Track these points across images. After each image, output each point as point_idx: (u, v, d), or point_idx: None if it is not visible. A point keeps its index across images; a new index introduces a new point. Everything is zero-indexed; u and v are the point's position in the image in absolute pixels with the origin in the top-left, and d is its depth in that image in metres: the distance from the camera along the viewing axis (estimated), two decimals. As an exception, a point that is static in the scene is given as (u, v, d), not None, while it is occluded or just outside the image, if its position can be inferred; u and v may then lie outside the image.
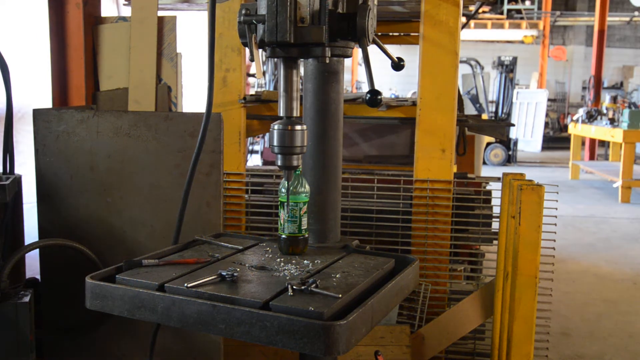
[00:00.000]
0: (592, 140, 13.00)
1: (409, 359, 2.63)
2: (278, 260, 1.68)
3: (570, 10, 21.13)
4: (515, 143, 13.74)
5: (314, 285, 1.41)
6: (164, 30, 3.04)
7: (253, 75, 8.27)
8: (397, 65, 1.76)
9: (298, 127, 1.55)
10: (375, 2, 1.72)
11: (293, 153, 1.56)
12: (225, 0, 2.81)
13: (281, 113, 1.56)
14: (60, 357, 2.61)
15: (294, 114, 1.56)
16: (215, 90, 2.88)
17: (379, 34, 3.62)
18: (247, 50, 2.13)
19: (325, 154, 1.86)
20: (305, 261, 1.66)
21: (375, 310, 1.39)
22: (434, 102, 2.80)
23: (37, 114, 2.51)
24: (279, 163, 1.58)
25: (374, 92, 1.52)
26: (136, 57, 3.01)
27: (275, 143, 1.56)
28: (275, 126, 1.56)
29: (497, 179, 2.86)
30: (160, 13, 3.07)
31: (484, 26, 17.19)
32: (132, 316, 1.42)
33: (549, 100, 16.45)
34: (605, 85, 17.40)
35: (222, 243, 1.83)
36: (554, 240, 2.60)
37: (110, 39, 3.08)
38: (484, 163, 12.06)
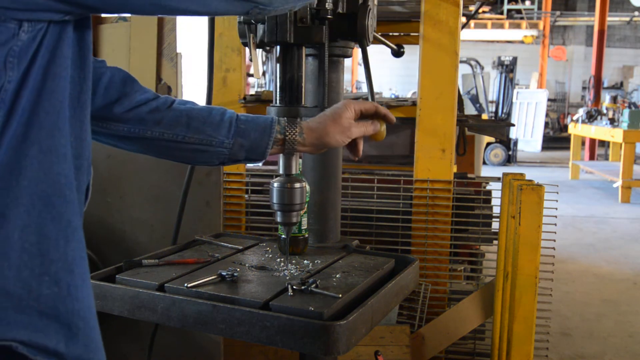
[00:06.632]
0: (592, 140, 13.00)
1: (409, 359, 2.63)
2: (278, 260, 1.68)
3: (570, 10, 21.14)
4: (515, 143, 13.74)
5: (314, 285, 1.41)
6: (164, 30, 3.04)
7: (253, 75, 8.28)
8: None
9: (297, 185, 1.54)
10: (375, 2, 1.72)
11: (292, 210, 1.55)
12: None
13: (280, 170, 1.55)
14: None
15: (293, 172, 1.55)
16: (215, 90, 2.87)
17: (379, 34, 3.62)
18: (247, 50, 2.13)
19: (325, 154, 1.85)
20: (305, 261, 1.66)
21: (375, 310, 1.39)
22: (434, 102, 2.80)
23: (37, 114, 2.51)
24: (278, 219, 1.57)
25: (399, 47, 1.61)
26: (136, 57, 3.01)
27: (274, 200, 1.55)
28: (275, 184, 1.55)
29: (497, 179, 2.86)
30: (161, 13, 3.06)
31: (484, 26, 17.20)
32: (132, 316, 1.42)
33: (549, 100, 16.46)
34: (605, 85, 17.40)
35: (222, 243, 1.83)
36: (554, 240, 2.60)
37: (110, 39, 3.08)
38: (484, 163, 12.06)
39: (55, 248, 0.92)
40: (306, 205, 1.75)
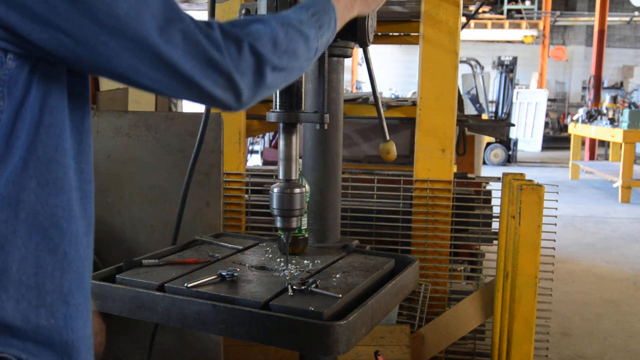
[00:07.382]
0: (592, 140, 12.99)
1: (409, 359, 2.63)
2: (278, 260, 1.68)
3: (570, 10, 21.14)
4: (515, 143, 13.74)
5: (314, 285, 1.41)
6: (164, 30, 3.03)
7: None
8: None
9: (297, 190, 1.55)
10: (375, 2, 1.72)
11: (292, 216, 1.56)
12: (226, 0, 2.81)
13: (280, 176, 1.56)
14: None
15: (293, 177, 1.56)
16: (215, 90, 2.87)
17: (379, 33, 3.62)
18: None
19: (325, 154, 1.86)
20: (305, 261, 1.66)
21: (375, 310, 1.39)
22: (434, 102, 2.80)
23: (37, 114, 2.50)
24: (279, 225, 1.58)
25: None
26: (136, 57, 3.01)
27: (274, 206, 1.56)
28: (275, 189, 1.56)
29: (497, 179, 2.86)
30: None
31: (484, 26, 17.18)
32: (133, 316, 1.42)
33: (549, 100, 16.45)
34: (605, 85, 17.40)
35: (222, 243, 1.83)
36: (554, 240, 2.59)
37: (110, 39, 3.07)
38: (484, 163, 12.05)
39: (51, 280, 0.93)
40: (306, 205, 1.75)
